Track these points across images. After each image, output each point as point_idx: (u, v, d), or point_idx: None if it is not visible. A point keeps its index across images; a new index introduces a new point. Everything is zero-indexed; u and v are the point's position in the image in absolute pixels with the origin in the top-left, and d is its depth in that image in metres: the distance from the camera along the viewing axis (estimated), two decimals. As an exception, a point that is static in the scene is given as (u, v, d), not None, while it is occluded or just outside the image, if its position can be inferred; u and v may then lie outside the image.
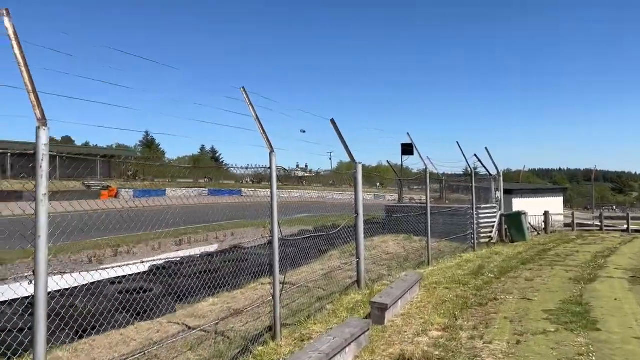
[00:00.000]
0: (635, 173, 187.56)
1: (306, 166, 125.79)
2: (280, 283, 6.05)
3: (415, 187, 29.53)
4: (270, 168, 5.75)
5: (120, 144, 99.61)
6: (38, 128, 3.03)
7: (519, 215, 15.71)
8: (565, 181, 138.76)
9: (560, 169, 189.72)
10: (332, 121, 8.50)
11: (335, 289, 8.95)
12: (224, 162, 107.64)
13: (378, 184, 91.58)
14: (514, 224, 15.81)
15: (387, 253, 13.58)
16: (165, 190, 57.65)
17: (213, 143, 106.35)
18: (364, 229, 17.68)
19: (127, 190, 56.24)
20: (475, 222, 15.88)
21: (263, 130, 5.80)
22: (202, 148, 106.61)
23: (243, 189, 70.31)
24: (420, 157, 11.40)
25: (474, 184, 14.08)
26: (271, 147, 5.78)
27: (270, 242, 5.81)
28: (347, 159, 8.75)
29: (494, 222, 16.14)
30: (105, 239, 18.46)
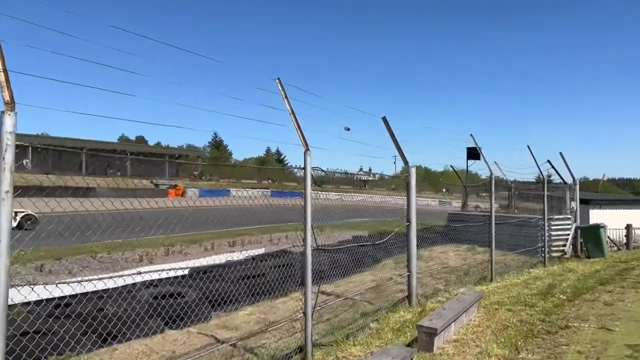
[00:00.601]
0: None
1: (370, 170, 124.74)
2: (317, 293, 5.44)
3: (484, 194, 28.01)
4: (304, 168, 5.16)
5: (190, 145, 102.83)
6: (3, 113, 2.57)
7: (597, 228, 14.18)
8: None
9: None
10: (384, 119, 7.80)
11: (384, 304, 8.21)
12: (289, 164, 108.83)
13: (444, 190, 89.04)
14: (590, 237, 14.29)
15: (446, 265, 12.61)
16: (229, 190, 58.74)
17: (278, 145, 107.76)
18: (423, 237, 16.64)
19: (193, 189, 57.82)
20: (547, 234, 14.53)
21: (298, 126, 5.21)
22: (268, 150, 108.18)
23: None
24: (485, 161, 10.41)
25: (545, 192, 12.80)
26: (306, 144, 5.18)
27: (303, 252, 5.21)
28: (413, 163, 7.97)
29: (568, 234, 14.69)
30: (163, 237, 18.63)
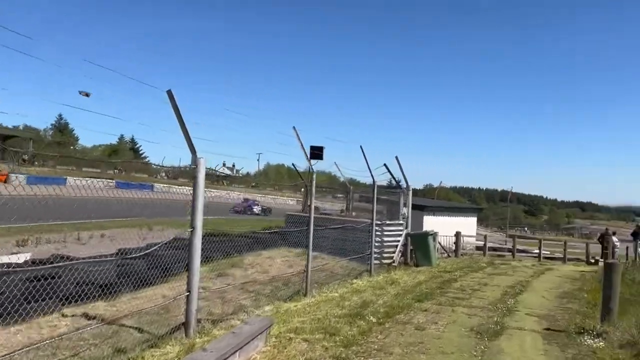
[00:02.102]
0: (547, 197, 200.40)
1: (233, 166, 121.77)
2: None
3: (339, 196, 27.90)
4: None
5: (28, 126, 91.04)
6: None
7: (426, 236, 13.85)
8: (483, 200, 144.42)
9: (479, 188, 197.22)
10: (169, 93, 5.97)
11: (160, 331, 6.39)
12: (144, 155, 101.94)
13: (302, 189, 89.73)
14: (420, 245, 13.94)
15: (265, 274, 11.18)
16: (66, 178, 52.19)
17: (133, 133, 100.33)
18: (258, 239, 14.99)
19: (19, 175, 50.20)
20: (379, 240, 13.91)
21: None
22: (121, 137, 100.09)
23: (156, 184, 65.80)
24: (308, 159, 9.12)
25: (375, 195, 12.05)
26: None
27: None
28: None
29: (399, 241, 14.20)
30: None
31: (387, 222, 14.51)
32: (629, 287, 9.75)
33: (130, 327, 6.51)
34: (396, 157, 14.57)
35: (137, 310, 6.67)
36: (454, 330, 6.73)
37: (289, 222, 17.76)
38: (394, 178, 14.89)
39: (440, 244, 18.43)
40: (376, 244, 13.98)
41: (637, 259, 20.77)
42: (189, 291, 6.11)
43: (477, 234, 27.70)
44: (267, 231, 13.52)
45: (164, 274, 10.03)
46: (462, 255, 19.06)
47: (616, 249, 22.34)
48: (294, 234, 13.70)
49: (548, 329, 7.07)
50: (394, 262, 13.37)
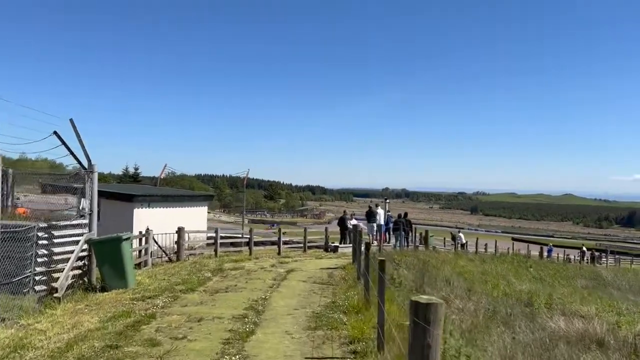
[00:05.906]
0: (284, 182, 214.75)
1: None
2: None
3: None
4: None
5: None
6: None
7: (118, 242, 8.96)
8: (226, 187, 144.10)
9: (223, 175, 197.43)
10: None
11: None
12: None
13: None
14: (108, 257, 8.94)
15: None
16: None
17: None
18: None
19: None
20: (46, 253, 8.58)
21: None
22: None
23: None
24: None
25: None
26: None
27: None
28: None
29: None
30: None
31: (59, 223, 9.16)
32: (393, 304, 6.76)
33: None
34: (70, 120, 9.32)
35: None
36: None
37: None
38: (72, 154, 9.59)
39: (158, 244, 13.78)
40: (40, 260, 8.58)
41: (379, 244, 19.65)
42: None
43: (219, 221, 23.93)
44: None
45: None
46: (189, 256, 14.78)
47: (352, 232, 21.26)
48: None
49: None
50: (56, 290, 8.09)
